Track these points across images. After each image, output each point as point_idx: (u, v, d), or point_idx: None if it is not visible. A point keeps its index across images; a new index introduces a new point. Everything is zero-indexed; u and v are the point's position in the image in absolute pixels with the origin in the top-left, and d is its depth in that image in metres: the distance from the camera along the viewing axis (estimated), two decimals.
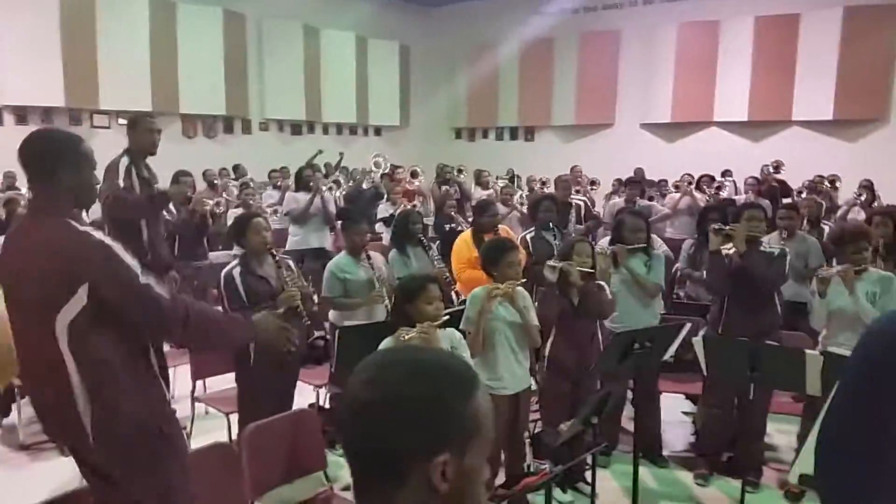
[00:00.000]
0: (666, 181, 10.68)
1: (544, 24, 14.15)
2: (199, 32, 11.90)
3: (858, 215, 7.39)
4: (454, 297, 4.90)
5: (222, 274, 3.80)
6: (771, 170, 9.53)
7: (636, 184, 8.32)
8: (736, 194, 9.49)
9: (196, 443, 3.65)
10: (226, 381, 4.36)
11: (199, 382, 4.56)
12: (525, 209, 7.18)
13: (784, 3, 11.73)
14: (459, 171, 10.52)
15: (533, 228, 5.81)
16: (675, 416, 5.31)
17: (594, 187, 10.64)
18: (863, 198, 7.71)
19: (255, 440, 2.98)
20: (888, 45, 11.00)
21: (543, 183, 10.09)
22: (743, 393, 3.96)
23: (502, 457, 3.71)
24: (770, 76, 11.80)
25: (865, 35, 11.00)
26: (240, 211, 7.14)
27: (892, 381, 1.49)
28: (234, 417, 3.97)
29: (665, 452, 4.71)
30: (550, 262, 3.97)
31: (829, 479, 1.66)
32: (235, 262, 3.88)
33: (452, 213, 7.02)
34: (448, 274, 5.01)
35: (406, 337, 2.84)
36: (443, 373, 0.98)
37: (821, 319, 4.03)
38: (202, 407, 4.58)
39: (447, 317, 3.07)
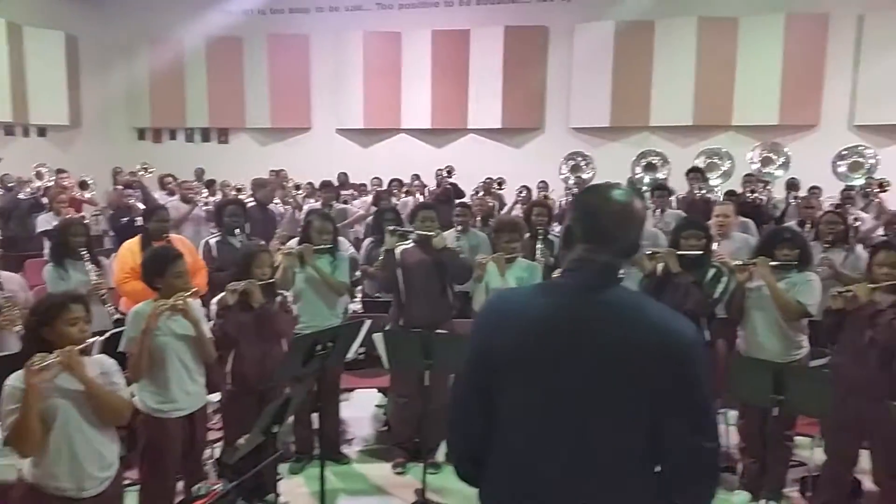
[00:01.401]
0: (365, 185, 11.08)
1: (230, 22, 13.67)
2: None
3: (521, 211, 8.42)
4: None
5: None
6: (445, 174, 10.40)
7: (331, 187, 8.46)
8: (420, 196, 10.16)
9: None
10: None
11: None
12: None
13: (455, 18, 12.88)
14: (145, 168, 9.68)
15: (218, 234, 5.59)
16: (370, 410, 5.52)
17: (298, 192, 10.56)
18: (523, 195, 8.79)
19: None
20: (542, 62, 12.70)
21: (239, 189, 9.72)
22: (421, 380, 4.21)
23: (178, 484, 3.46)
24: (448, 86, 12.86)
25: (523, 52, 12.56)
26: None
27: (486, 353, 1.70)
28: None
29: (359, 447, 4.88)
30: (230, 286, 3.81)
31: (453, 444, 1.83)
32: None
33: None
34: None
35: (41, 365, 2.45)
36: None
37: (479, 302, 4.45)
38: None
39: (97, 339, 2.74)
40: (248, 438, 2.95)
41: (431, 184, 10.80)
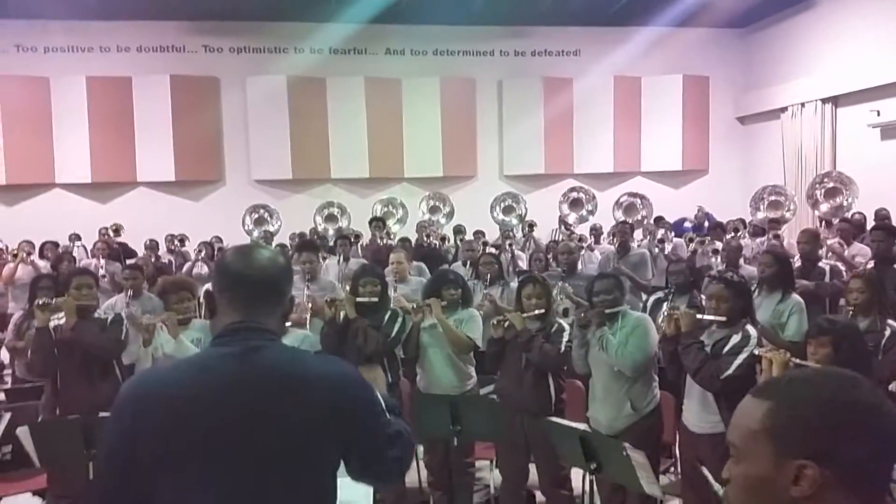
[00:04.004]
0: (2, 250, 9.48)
1: None
2: None
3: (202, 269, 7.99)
4: None
5: None
6: (111, 233, 9.54)
7: None
8: (89, 257, 9.07)
9: None
10: None
11: None
12: None
13: (114, 65, 11.84)
14: None
15: None
16: None
17: None
18: (203, 254, 8.31)
19: None
20: (215, 113, 12.27)
21: None
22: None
23: None
24: (110, 137, 11.69)
25: (194, 102, 11.98)
26: None
27: (129, 451, 1.48)
28: None
29: None
30: None
31: None
32: None
33: None
34: None
35: None
36: None
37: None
38: None
39: None
40: None
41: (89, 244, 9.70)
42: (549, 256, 7.33)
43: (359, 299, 4.05)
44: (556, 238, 9.83)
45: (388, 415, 1.64)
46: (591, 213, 10.75)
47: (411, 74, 12.51)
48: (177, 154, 11.90)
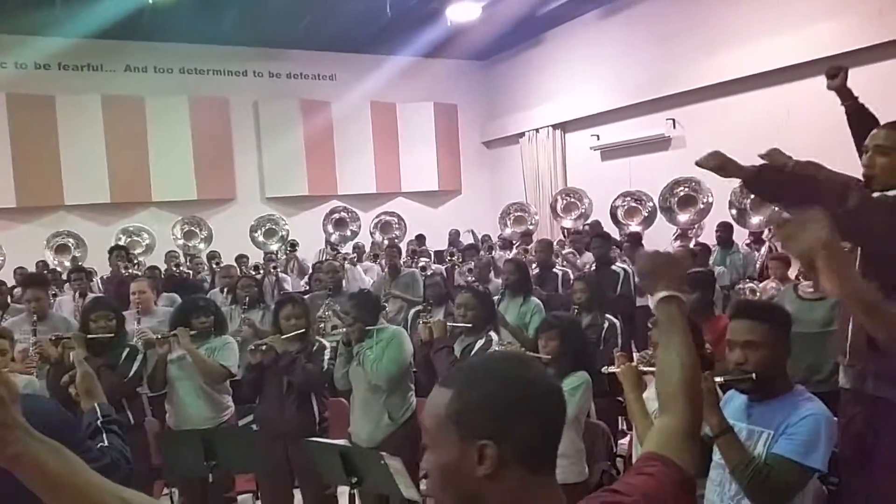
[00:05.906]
0: None
1: None
2: None
3: None
4: None
5: None
6: None
7: None
8: None
9: None
10: None
11: None
12: None
13: None
14: None
15: None
16: None
17: None
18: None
19: None
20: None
21: None
22: None
23: None
24: None
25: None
26: None
27: None
28: None
29: None
30: None
31: None
32: None
33: None
34: None
35: None
36: None
37: None
38: None
39: None
40: None
41: None
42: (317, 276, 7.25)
43: (90, 336, 3.64)
44: (322, 259, 9.80)
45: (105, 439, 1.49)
46: (356, 233, 10.89)
47: (156, 93, 11.70)
48: None
